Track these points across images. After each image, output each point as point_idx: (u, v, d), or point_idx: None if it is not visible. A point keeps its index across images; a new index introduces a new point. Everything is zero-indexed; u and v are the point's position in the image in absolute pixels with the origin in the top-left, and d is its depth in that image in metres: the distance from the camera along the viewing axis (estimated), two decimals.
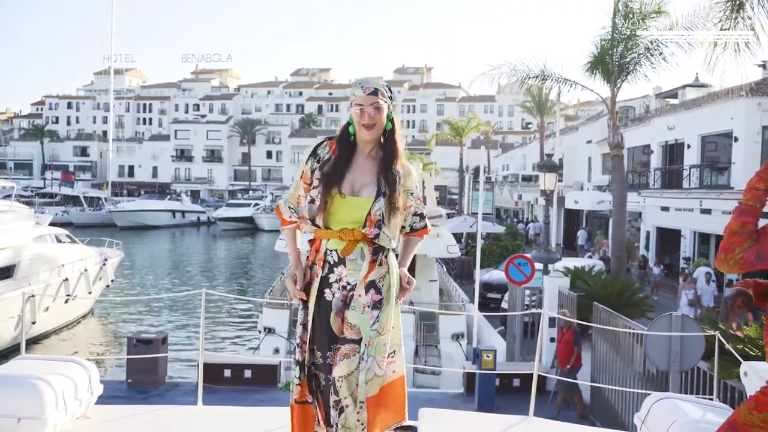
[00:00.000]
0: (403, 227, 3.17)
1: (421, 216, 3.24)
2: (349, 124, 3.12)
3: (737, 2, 8.78)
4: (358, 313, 3.01)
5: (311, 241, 3.14)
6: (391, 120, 3.09)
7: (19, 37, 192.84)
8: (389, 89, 3.12)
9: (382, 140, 3.11)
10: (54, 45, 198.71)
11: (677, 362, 7.01)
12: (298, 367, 3.11)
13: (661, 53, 16.54)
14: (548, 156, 19.00)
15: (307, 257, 3.16)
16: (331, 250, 3.05)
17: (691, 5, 24.91)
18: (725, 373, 6.79)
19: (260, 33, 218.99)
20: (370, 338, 2.98)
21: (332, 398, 2.99)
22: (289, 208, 3.16)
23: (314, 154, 3.12)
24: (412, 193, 3.14)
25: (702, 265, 23.65)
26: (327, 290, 3.06)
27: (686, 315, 7.58)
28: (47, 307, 18.54)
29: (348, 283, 3.04)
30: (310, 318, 3.07)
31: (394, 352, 3.07)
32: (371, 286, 3.03)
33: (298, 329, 3.12)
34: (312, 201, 3.03)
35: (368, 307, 3.01)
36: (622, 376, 9.74)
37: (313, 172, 3.07)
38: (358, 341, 3.00)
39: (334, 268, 3.05)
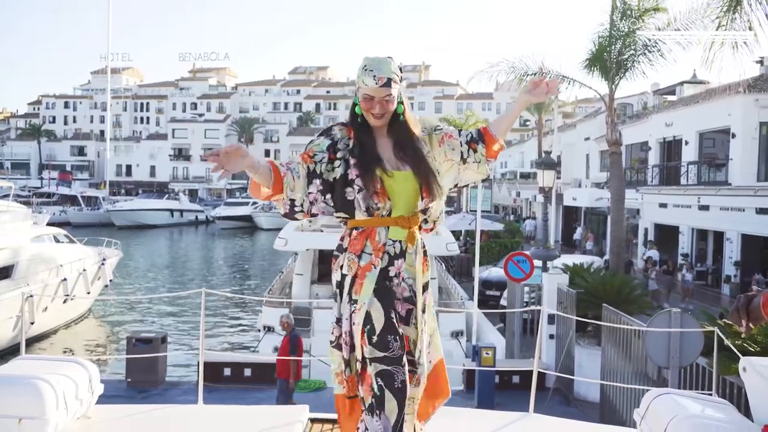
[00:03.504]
0: (465, 160, 2.99)
1: (473, 140, 3.01)
2: (354, 105, 2.91)
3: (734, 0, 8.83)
4: (414, 328, 2.92)
5: (357, 230, 2.89)
6: (401, 102, 2.92)
7: (15, 36, 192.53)
8: (400, 69, 2.91)
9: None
10: (50, 44, 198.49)
11: (676, 358, 7.03)
12: (344, 364, 2.95)
13: (658, 50, 16.57)
14: (547, 153, 19.00)
15: (345, 245, 2.91)
16: (394, 241, 2.86)
17: (689, 1, 24.93)
18: (724, 368, 6.81)
19: (257, 31, 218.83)
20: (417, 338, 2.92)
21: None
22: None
23: (328, 133, 2.91)
24: (441, 136, 2.99)
25: (651, 250, 23.87)
26: (388, 283, 2.86)
27: (685, 311, 7.59)
28: (46, 307, 18.52)
29: (404, 279, 2.90)
30: (362, 313, 2.81)
31: (431, 337, 3.04)
32: (426, 288, 2.97)
33: (345, 324, 2.90)
34: (360, 190, 2.78)
35: (420, 310, 2.92)
36: (629, 374, 9.74)
37: (330, 148, 2.84)
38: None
39: (395, 261, 2.87)
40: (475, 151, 2.98)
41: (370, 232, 2.85)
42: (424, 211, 2.88)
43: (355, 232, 2.89)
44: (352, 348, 2.88)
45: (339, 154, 2.83)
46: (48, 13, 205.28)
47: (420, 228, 2.94)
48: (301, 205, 2.81)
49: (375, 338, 2.77)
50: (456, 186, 3.07)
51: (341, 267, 2.91)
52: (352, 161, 2.81)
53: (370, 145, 2.85)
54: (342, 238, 2.95)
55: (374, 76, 2.80)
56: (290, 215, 2.85)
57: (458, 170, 3.00)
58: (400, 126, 2.91)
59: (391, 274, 2.85)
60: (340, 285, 2.91)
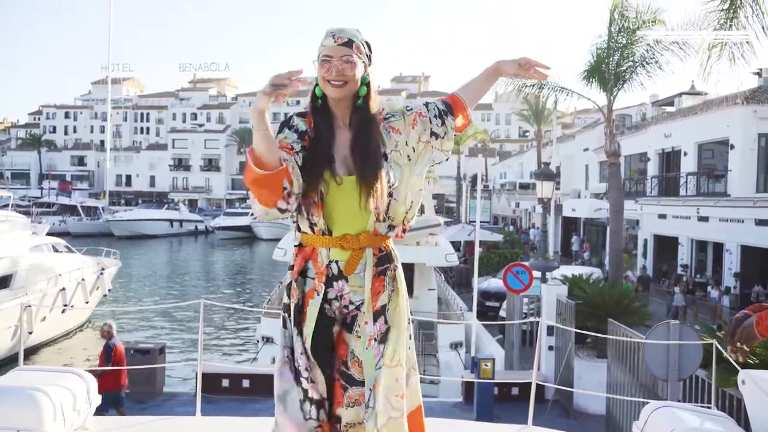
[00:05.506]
0: (437, 136, 2.59)
1: (442, 113, 2.60)
2: (315, 85, 2.54)
3: (732, 12, 8.89)
4: (363, 346, 2.52)
5: (299, 246, 2.57)
6: (366, 84, 2.54)
7: (16, 46, 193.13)
8: (368, 47, 2.56)
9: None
10: (51, 55, 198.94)
11: (675, 371, 7.02)
12: (314, 406, 2.51)
13: (656, 61, 16.66)
14: (545, 164, 19.04)
15: (291, 266, 2.57)
16: (333, 261, 2.50)
17: (686, 14, 25.05)
18: (723, 381, 6.79)
19: (258, 42, 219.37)
20: (375, 380, 2.48)
21: None
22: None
23: (289, 124, 2.53)
24: (408, 113, 2.60)
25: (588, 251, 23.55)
26: (326, 306, 2.53)
27: (684, 323, 7.59)
28: (44, 317, 18.49)
29: (351, 302, 2.53)
30: (308, 342, 2.49)
31: (408, 377, 2.58)
32: (380, 313, 2.52)
33: (301, 360, 2.51)
34: (302, 195, 2.41)
35: (374, 340, 2.50)
36: (635, 388, 9.69)
37: (295, 142, 2.46)
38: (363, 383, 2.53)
39: (333, 282, 2.51)
40: (443, 124, 2.60)
41: (312, 251, 2.53)
42: (384, 218, 2.50)
43: (295, 249, 2.58)
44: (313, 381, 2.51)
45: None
46: (49, 24, 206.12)
47: (385, 239, 2.56)
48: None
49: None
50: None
51: (286, 287, 2.58)
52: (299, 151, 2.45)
53: (326, 139, 2.48)
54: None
55: (333, 35, 2.47)
56: (283, 210, 2.42)
57: (431, 150, 2.62)
58: (358, 114, 2.53)
59: (330, 296, 2.52)
60: (287, 311, 2.56)
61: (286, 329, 2.57)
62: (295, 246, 2.60)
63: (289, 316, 2.54)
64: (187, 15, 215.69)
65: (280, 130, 2.51)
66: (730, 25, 9.25)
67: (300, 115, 2.55)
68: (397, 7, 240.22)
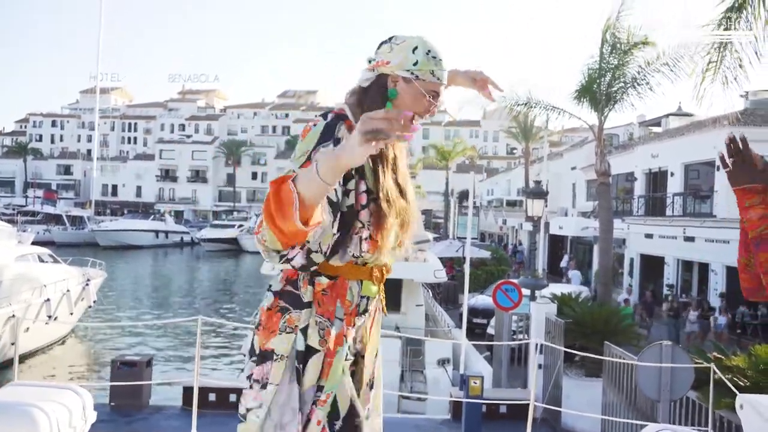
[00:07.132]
0: None
1: None
2: (387, 98, 2.04)
3: (726, 37, 9.03)
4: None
5: (331, 279, 2.03)
6: None
7: (3, 54, 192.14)
8: None
9: None
10: (39, 63, 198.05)
11: (667, 391, 7.03)
12: None
13: (647, 83, 16.83)
14: (536, 182, 19.14)
15: (306, 298, 2.01)
16: (363, 297, 2.08)
17: (680, 37, 25.34)
18: (716, 402, 6.82)
19: (246, 52, 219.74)
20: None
21: None
22: None
23: (335, 136, 1.98)
24: None
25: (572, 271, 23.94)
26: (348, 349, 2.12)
27: (675, 344, 7.62)
28: (27, 328, 18.28)
29: (354, 341, 2.14)
30: (328, 405, 2.00)
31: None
32: (371, 354, 2.18)
33: (287, 417, 1.98)
34: (366, 229, 1.99)
35: (368, 385, 2.17)
36: (632, 410, 9.67)
37: None
38: None
39: (357, 322, 2.11)
40: None
41: (342, 286, 2.03)
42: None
43: (326, 282, 2.02)
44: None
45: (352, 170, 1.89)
46: (37, 32, 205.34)
47: None
48: (319, 248, 1.90)
49: (339, 423, 2.01)
50: None
51: (301, 330, 1.99)
52: (361, 185, 1.98)
53: (384, 161, 2.05)
54: (294, 284, 2.04)
55: (445, 71, 2.06)
56: (307, 267, 1.91)
57: None
58: None
59: (349, 340, 2.08)
60: (301, 360, 1.99)
61: (300, 385, 1.99)
62: (321, 278, 2.02)
63: (304, 366, 1.98)
64: (178, 25, 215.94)
65: (324, 140, 1.97)
66: (723, 50, 9.40)
67: (340, 118, 2.06)
68: (397, 7, 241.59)
